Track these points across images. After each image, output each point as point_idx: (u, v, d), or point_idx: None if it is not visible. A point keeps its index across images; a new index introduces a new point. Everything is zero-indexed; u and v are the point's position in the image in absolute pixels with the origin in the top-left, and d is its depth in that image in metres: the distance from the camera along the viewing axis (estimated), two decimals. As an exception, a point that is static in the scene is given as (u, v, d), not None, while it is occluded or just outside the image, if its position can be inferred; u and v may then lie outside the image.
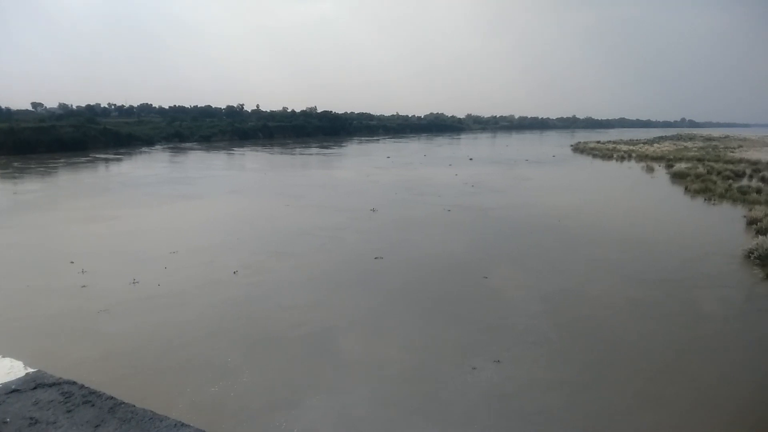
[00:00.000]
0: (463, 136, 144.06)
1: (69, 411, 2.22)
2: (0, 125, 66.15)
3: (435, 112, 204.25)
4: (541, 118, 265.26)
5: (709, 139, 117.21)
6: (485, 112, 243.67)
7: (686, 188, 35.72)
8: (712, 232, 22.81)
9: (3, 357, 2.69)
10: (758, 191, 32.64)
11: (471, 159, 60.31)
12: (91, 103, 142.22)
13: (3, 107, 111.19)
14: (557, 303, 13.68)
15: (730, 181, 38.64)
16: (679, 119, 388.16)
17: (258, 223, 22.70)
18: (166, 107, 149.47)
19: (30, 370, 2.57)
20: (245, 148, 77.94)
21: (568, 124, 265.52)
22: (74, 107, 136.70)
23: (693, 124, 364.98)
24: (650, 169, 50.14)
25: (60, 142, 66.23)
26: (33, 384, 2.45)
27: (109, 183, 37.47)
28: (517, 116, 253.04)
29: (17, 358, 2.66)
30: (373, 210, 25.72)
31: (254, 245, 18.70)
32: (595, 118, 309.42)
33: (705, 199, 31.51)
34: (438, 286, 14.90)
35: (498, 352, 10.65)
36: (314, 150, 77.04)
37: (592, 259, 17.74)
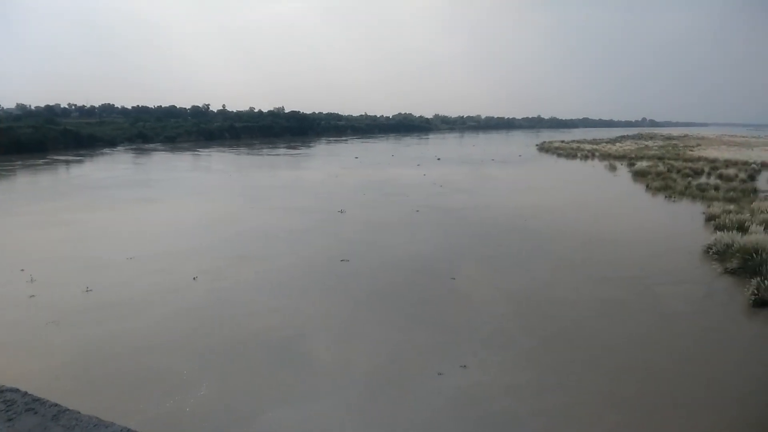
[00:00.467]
0: (431, 136, 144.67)
1: (10, 419, 2.12)
2: (-45, 127, 63.29)
3: (403, 113, 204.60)
4: (508, 118, 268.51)
5: (669, 138, 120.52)
6: (453, 112, 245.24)
7: (647, 186, 36.53)
8: (672, 229, 23.28)
9: None
10: (716, 188, 33.58)
11: (439, 159, 60.45)
12: (51, 104, 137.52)
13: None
14: (524, 304, 13.62)
15: (690, 178, 39.70)
16: (640, 119, 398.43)
17: (221, 227, 22.10)
18: (129, 107, 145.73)
19: None
20: (211, 149, 76.48)
21: (534, 123, 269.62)
22: (33, 107, 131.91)
23: (654, 124, 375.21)
24: (613, 168, 51.17)
25: (18, 143, 63.64)
26: None
27: (67, 186, 36.11)
28: (484, 116, 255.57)
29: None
30: (341, 211, 25.39)
31: (216, 250, 18.16)
32: (560, 118, 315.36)
33: (666, 197, 32.26)
34: (405, 288, 14.68)
35: (464, 357, 10.48)
36: (281, 150, 76.11)
37: (557, 258, 17.80)
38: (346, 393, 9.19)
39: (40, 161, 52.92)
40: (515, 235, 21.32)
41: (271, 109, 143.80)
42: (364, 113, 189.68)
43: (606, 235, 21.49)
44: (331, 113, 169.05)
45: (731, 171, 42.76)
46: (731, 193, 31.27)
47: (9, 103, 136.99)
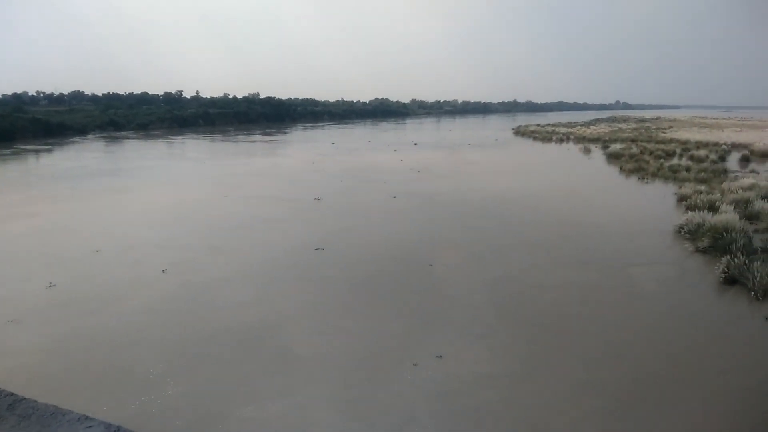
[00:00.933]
0: (408, 121, 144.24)
1: (-37, 411, 1.81)
2: None
3: (380, 98, 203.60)
4: (484, 103, 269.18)
5: (642, 120, 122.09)
6: (430, 97, 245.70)
7: (621, 168, 36.90)
8: (645, 210, 23.51)
9: None
10: (687, 169, 34.02)
11: (416, 144, 60.17)
12: (18, 92, 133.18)
13: None
14: (500, 291, 13.51)
15: (662, 160, 40.16)
16: (614, 102, 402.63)
17: (193, 217, 21.57)
18: (100, 95, 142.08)
19: None
20: (184, 136, 75.03)
21: (510, 108, 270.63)
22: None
23: (627, 107, 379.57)
24: (587, 151, 51.58)
25: (-15, 133, 61.62)
26: None
27: (33, 177, 34.99)
28: (460, 101, 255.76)
29: None
30: (318, 199, 25.01)
31: (187, 241, 17.68)
32: (535, 102, 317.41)
33: (639, 178, 32.66)
34: (382, 276, 14.46)
35: (440, 347, 10.32)
36: (257, 137, 74.98)
37: (533, 243, 17.75)
38: (319, 388, 8.96)
39: (8, 151, 51.25)
40: (492, 220, 21.22)
41: (246, 95, 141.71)
42: (341, 99, 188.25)
43: (581, 218, 21.56)
44: (307, 99, 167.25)
45: (702, 152, 43.36)
46: (702, 174, 31.74)
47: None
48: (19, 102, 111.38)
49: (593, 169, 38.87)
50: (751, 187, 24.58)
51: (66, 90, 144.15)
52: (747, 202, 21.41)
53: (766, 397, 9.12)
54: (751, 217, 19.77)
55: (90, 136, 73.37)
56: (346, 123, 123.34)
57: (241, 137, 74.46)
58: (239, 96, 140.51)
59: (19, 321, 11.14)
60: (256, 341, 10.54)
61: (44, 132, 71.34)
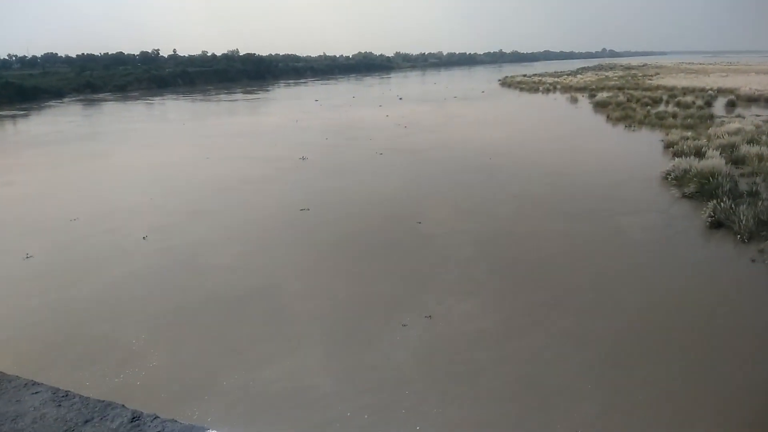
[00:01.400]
0: (392, 74, 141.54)
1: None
2: None
3: (363, 52, 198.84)
4: (469, 54, 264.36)
5: (629, 67, 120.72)
6: (414, 49, 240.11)
7: (608, 116, 36.60)
8: (632, 158, 23.37)
9: None
10: (674, 116, 33.79)
11: (401, 98, 59.06)
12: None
13: None
14: (489, 246, 13.33)
15: (649, 107, 39.82)
16: (600, 50, 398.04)
17: (173, 181, 21.01)
18: (74, 56, 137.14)
19: None
20: (164, 97, 73.01)
21: (496, 58, 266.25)
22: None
23: (613, 54, 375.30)
24: (574, 100, 51.00)
25: (-42, 100, 59.48)
26: None
27: (7, 144, 33.89)
28: (445, 53, 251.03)
29: None
30: (303, 158, 24.45)
31: (168, 205, 17.21)
32: (521, 52, 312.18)
33: (625, 126, 32.40)
34: (369, 236, 14.20)
35: (429, 306, 10.16)
36: (238, 96, 73.20)
37: (522, 195, 17.54)
38: (304, 354, 8.78)
39: (-22, 118, 49.53)
40: (480, 173, 20.91)
41: (226, 52, 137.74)
42: (323, 54, 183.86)
43: (568, 168, 21.34)
44: (288, 54, 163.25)
45: (689, 98, 43.05)
46: (689, 120, 31.54)
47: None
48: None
49: (580, 119, 38.46)
50: (736, 132, 24.49)
51: (38, 52, 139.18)
52: (733, 147, 21.37)
53: (754, 337, 9.12)
54: (737, 161, 19.80)
55: (66, 100, 71.12)
56: (329, 79, 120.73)
57: (222, 96, 72.65)
58: (218, 53, 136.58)
59: (-5, 294, 10.79)
60: (241, 307, 10.31)
61: (19, 97, 68.97)
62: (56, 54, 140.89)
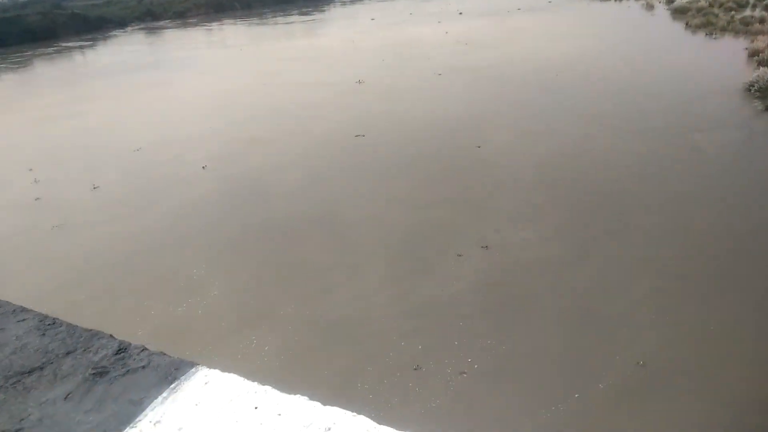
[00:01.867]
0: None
1: None
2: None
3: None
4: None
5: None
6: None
7: (687, 24, 33.10)
8: (712, 69, 21.13)
9: None
10: (761, 21, 29.94)
11: (461, 13, 55.73)
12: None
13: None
14: (552, 170, 12.59)
15: (733, 12, 35.52)
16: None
17: (230, 108, 21.03)
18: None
19: None
20: (221, 22, 72.58)
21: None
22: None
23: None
24: (650, 7, 46.31)
25: (29, 32, 61.69)
26: None
27: (75, 75, 34.95)
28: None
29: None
30: (359, 81, 23.75)
31: (227, 133, 17.30)
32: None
33: (706, 34, 29.22)
34: (426, 161, 13.75)
35: (487, 235, 9.79)
36: (294, 17, 71.62)
37: (591, 114, 16.33)
38: (362, 284, 8.74)
39: (50, 49, 51.25)
40: (545, 92, 19.60)
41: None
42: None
43: (642, 83, 19.59)
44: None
45: (784, 0, 38.03)
46: (778, 26, 27.95)
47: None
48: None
49: (656, 27, 35.03)
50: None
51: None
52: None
53: None
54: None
55: (129, 29, 72.24)
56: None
57: (278, 19, 71.34)
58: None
59: (64, 226, 11.33)
60: (297, 236, 10.35)
61: (85, 27, 70.70)
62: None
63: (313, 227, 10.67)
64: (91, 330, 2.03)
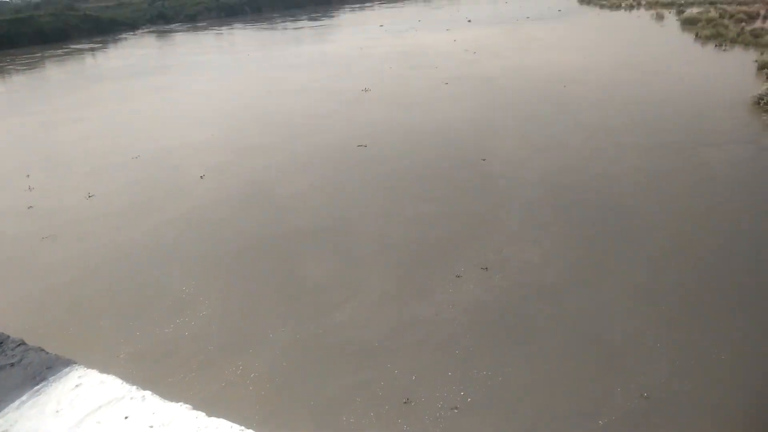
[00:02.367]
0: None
1: None
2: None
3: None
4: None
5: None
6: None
7: (696, 35, 32.67)
8: (721, 81, 20.71)
9: None
10: (772, 33, 29.52)
11: (470, 21, 55.48)
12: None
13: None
14: (557, 186, 12.25)
15: (743, 23, 35.02)
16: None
17: (234, 115, 20.83)
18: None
19: None
20: (231, 26, 72.82)
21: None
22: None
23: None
24: (660, 17, 45.87)
25: (41, 33, 62.14)
26: None
27: (81, 78, 34.98)
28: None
29: None
30: (365, 90, 23.50)
31: (227, 141, 17.09)
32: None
33: (715, 45, 28.80)
34: (429, 174, 13.45)
35: (486, 256, 9.45)
36: (303, 23, 71.66)
37: (596, 128, 15.97)
38: (357, 305, 8.43)
39: (60, 51, 51.51)
40: (552, 104, 19.24)
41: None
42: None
43: (649, 95, 19.21)
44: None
45: (795, 12, 37.50)
46: (789, 38, 27.46)
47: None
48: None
49: (665, 38, 34.59)
50: None
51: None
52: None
53: None
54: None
55: (139, 32, 72.61)
56: (396, 1, 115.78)
57: (287, 24, 71.42)
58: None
59: (55, 236, 11.11)
60: (291, 252, 10.05)
61: (96, 29, 71.16)
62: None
63: (311, 243, 10.39)
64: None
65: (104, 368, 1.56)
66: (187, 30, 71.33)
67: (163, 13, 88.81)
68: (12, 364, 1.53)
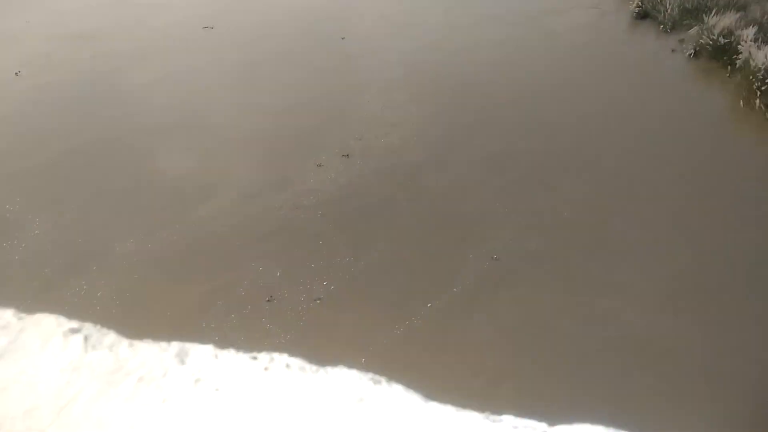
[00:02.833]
0: None
1: None
2: None
3: None
4: None
5: None
6: None
7: None
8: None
9: None
10: None
11: None
12: None
13: None
14: (417, 65, 12.05)
15: None
16: None
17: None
18: None
19: None
20: None
21: None
22: None
23: None
24: None
25: None
26: None
27: None
28: None
29: None
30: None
31: (46, 29, 14.54)
32: None
33: None
34: (285, 56, 12.60)
35: (347, 143, 9.36)
36: None
37: (454, 3, 15.46)
38: (213, 206, 7.98)
39: None
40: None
41: None
42: None
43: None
44: None
45: None
46: None
47: None
48: None
49: None
50: None
51: None
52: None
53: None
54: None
55: None
56: None
57: None
58: None
59: None
60: (138, 154, 9.20)
61: None
62: None
63: (158, 140, 9.51)
64: None
65: None
66: None
67: None
68: None
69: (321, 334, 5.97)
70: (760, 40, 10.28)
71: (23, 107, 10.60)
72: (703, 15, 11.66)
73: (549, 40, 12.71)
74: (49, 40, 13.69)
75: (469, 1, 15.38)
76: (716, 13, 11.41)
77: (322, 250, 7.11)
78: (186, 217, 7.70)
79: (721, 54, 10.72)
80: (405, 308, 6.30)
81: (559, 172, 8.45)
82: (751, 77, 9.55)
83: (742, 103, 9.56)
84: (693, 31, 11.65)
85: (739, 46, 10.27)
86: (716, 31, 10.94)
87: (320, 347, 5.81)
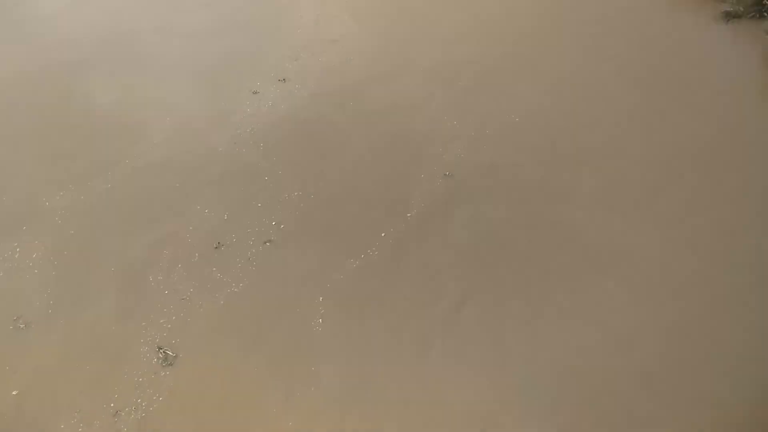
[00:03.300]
0: None
1: None
2: None
3: None
4: None
5: None
6: None
7: None
8: None
9: None
10: None
11: None
12: None
13: None
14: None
15: None
16: None
17: None
18: None
19: None
20: None
21: None
22: None
23: None
24: None
25: None
26: None
27: None
28: None
29: None
30: None
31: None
32: None
33: None
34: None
35: (283, 65, 8.80)
36: None
37: None
38: (146, 148, 7.49)
39: None
40: None
41: None
42: None
43: None
44: None
45: None
46: None
47: None
48: None
49: None
50: None
51: None
52: None
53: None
54: None
55: None
56: None
57: None
58: None
59: None
60: (59, 94, 8.38)
61: None
62: None
63: (75, 76, 8.63)
64: None
65: None
66: None
67: None
68: None
69: (271, 280, 5.81)
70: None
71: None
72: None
73: None
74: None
75: None
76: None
77: (268, 187, 6.82)
78: (118, 162, 7.17)
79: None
80: (359, 241, 6.21)
81: (507, 78, 8.23)
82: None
83: None
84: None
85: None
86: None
87: (268, 295, 5.69)
